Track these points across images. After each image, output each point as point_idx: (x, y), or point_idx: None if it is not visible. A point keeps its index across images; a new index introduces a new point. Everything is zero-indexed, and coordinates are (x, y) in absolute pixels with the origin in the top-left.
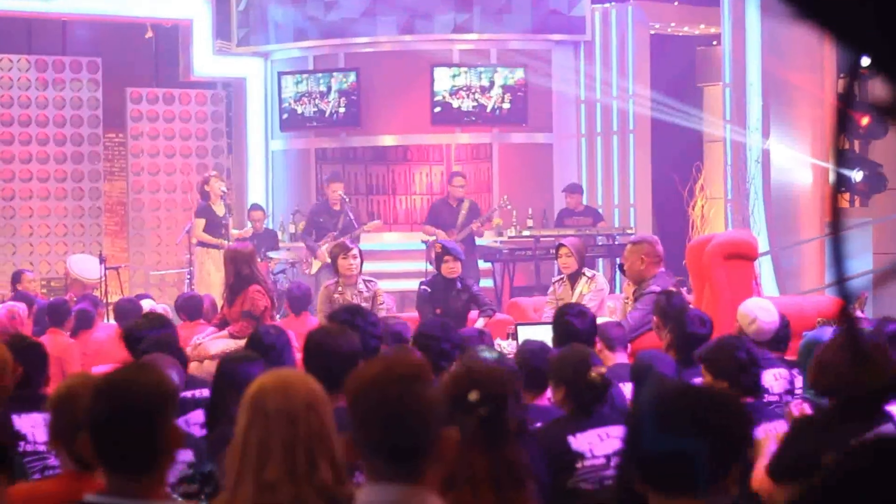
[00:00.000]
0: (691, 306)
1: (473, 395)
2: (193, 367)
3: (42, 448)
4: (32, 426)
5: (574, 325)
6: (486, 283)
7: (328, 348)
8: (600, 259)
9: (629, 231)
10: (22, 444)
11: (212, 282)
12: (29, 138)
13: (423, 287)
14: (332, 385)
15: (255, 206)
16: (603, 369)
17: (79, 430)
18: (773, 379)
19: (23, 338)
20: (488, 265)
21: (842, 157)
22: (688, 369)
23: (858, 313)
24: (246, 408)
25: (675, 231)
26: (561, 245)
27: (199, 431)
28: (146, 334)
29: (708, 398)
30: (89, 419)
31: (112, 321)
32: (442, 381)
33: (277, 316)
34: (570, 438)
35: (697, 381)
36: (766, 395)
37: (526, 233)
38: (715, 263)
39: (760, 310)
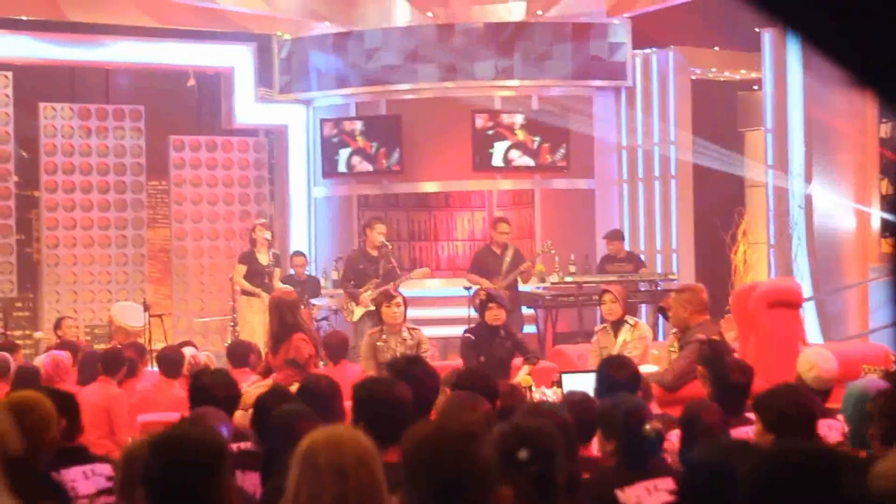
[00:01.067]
0: (735, 355)
1: (523, 454)
2: (238, 415)
3: (84, 502)
4: (73, 480)
5: (615, 377)
6: (529, 329)
7: (379, 400)
8: (643, 305)
9: (672, 277)
10: (64, 498)
11: (253, 329)
12: (73, 186)
13: (466, 334)
14: (382, 437)
15: (298, 253)
16: (658, 424)
17: (138, 486)
18: (827, 429)
19: (59, 392)
20: (531, 311)
21: (885, 202)
22: (734, 418)
23: None
24: (297, 462)
25: (718, 276)
26: (605, 291)
27: (246, 484)
28: (213, 391)
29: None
30: (144, 475)
31: (155, 369)
32: (491, 439)
33: (320, 363)
34: (619, 492)
35: (744, 430)
36: None
37: (568, 279)
38: (760, 311)
39: (820, 357)
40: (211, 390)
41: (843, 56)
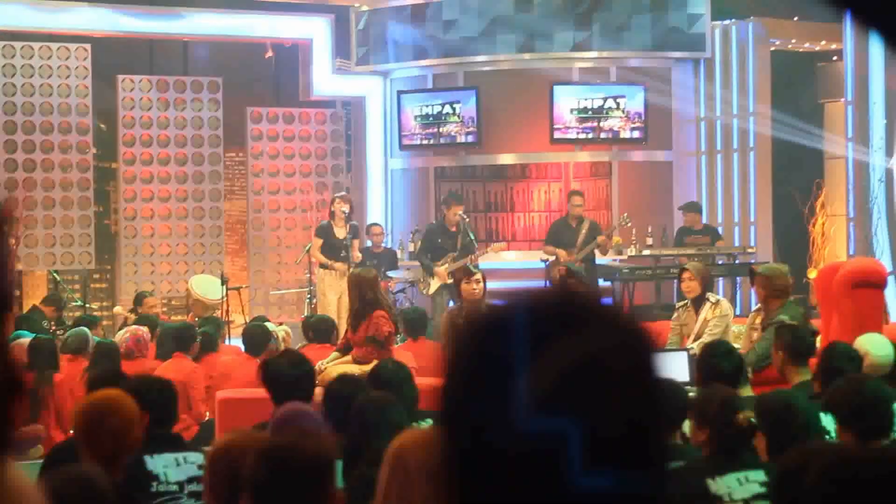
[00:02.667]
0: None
1: None
2: (317, 392)
3: (174, 488)
4: (165, 466)
5: (722, 366)
6: (605, 302)
7: None
8: (720, 279)
9: (749, 250)
10: (154, 484)
11: (327, 303)
12: (150, 158)
13: None
14: None
15: (374, 225)
16: (750, 413)
17: (238, 490)
18: None
19: (150, 381)
20: (608, 284)
21: None
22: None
23: None
24: (388, 463)
25: (796, 249)
26: (684, 269)
27: None
28: (287, 374)
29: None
30: (253, 483)
31: (234, 342)
32: None
33: (398, 339)
34: (710, 482)
35: None
36: None
37: (646, 252)
38: (843, 292)
39: (872, 344)
40: (283, 374)
41: None
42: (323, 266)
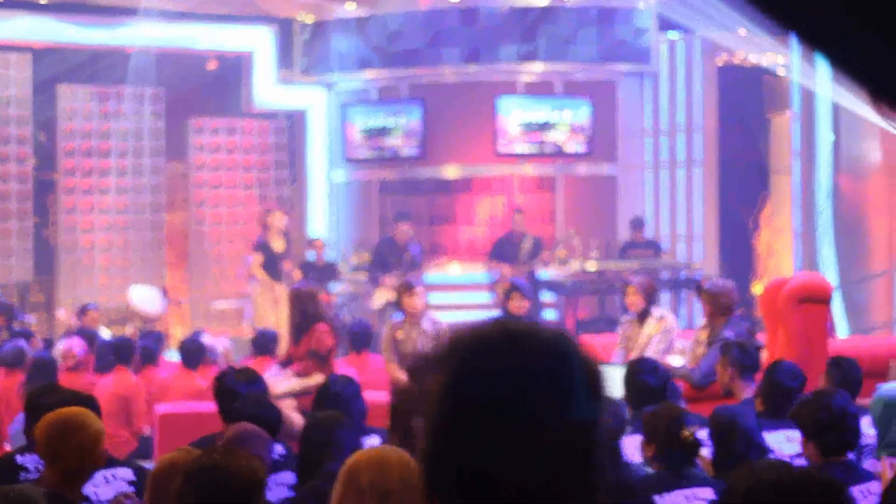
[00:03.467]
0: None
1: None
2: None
3: None
4: (95, 486)
5: (648, 383)
6: (549, 315)
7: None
8: (665, 293)
9: (694, 266)
10: None
11: (266, 317)
12: (90, 169)
13: None
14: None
15: (316, 238)
16: (696, 429)
17: None
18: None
19: (72, 397)
20: (552, 298)
21: None
22: (770, 421)
23: None
24: (341, 481)
25: (741, 263)
26: (628, 283)
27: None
28: (241, 390)
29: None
30: (178, 502)
31: (173, 354)
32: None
33: (340, 352)
34: (657, 498)
35: (778, 433)
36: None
37: (590, 265)
38: (789, 308)
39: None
40: (236, 389)
41: (862, 70)
42: (264, 282)
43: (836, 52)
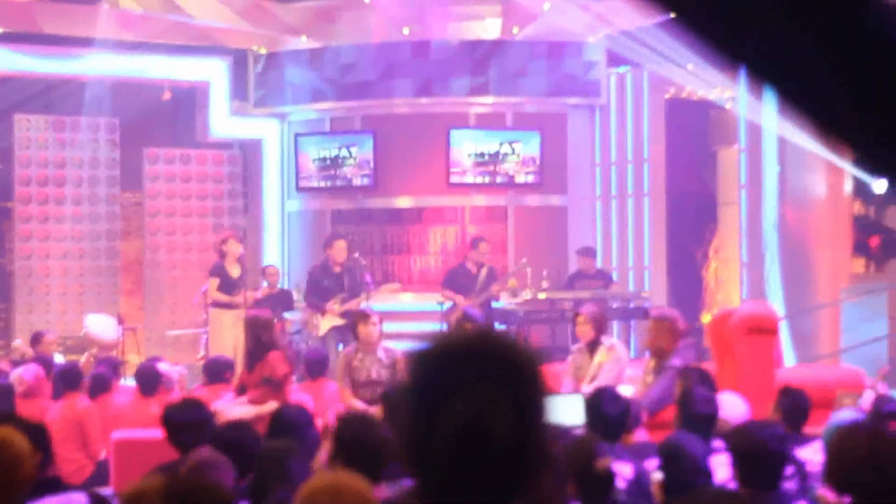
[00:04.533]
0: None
1: None
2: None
3: None
4: None
5: (608, 412)
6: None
7: (361, 439)
8: (614, 322)
9: (644, 294)
10: None
11: (224, 344)
12: (46, 198)
13: None
14: (370, 476)
15: (270, 266)
16: (608, 460)
17: None
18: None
19: (27, 423)
20: (503, 328)
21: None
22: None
23: (880, 387)
24: None
25: (690, 293)
26: (577, 313)
27: None
28: (185, 421)
29: None
30: None
31: (129, 382)
32: None
33: (294, 379)
34: None
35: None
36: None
37: (541, 295)
38: (737, 338)
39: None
40: (183, 422)
41: (813, 109)
42: (222, 306)
43: (784, 86)
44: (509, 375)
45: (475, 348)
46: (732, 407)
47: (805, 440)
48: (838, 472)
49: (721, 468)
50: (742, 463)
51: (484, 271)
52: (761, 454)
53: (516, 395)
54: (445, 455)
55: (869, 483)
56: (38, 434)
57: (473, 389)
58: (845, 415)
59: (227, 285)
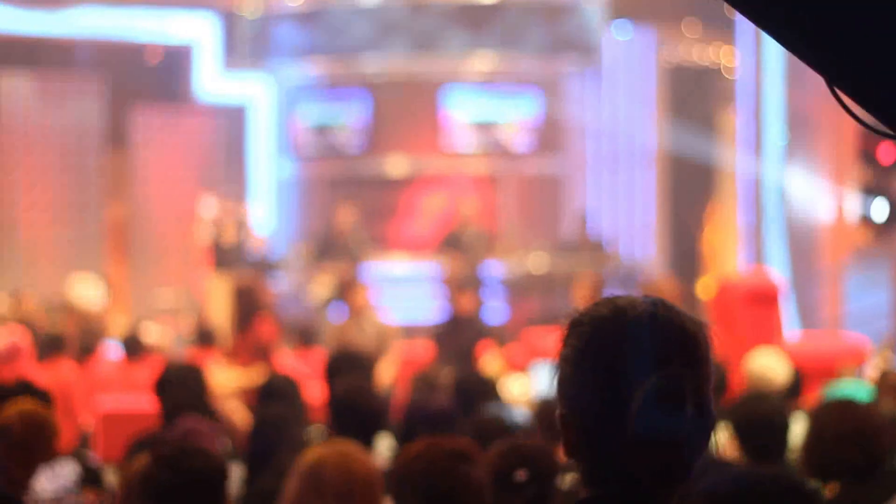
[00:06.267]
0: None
1: (521, 475)
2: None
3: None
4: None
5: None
6: (496, 312)
7: (357, 406)
8: (611, 291)
9: (640, 263)
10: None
11: (220, 309)
12: (32, 158)
13: (438, 322)
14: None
15: (260, 231)
16: (523, 473)
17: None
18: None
19: (36, 388)
20: (498, 294)
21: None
22: None
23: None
24: (301, 477)
25: (690, 260)
26: (575, 280)
27: None
28: (175, 384)
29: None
30: (148, 487)
31: (115, 347)
32: (486, 458)
33: (283, 344)
34: None
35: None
36: None
37: (535, 262)
38: (739, 306)
39: (769, 368)
40: (179, 387)
41: (819, 58)
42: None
43: (791, 37)
44: (694, 350)
45: (663, 321)
46: (775, 366)
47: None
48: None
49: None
50: (747, 435)
51: (477, 236)
52: (766, 426)
53: (700, 371)
54: (641, 427)
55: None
56: (47, 401)
57: (671, 362)
58: (841, 388)
59: (221, 251)
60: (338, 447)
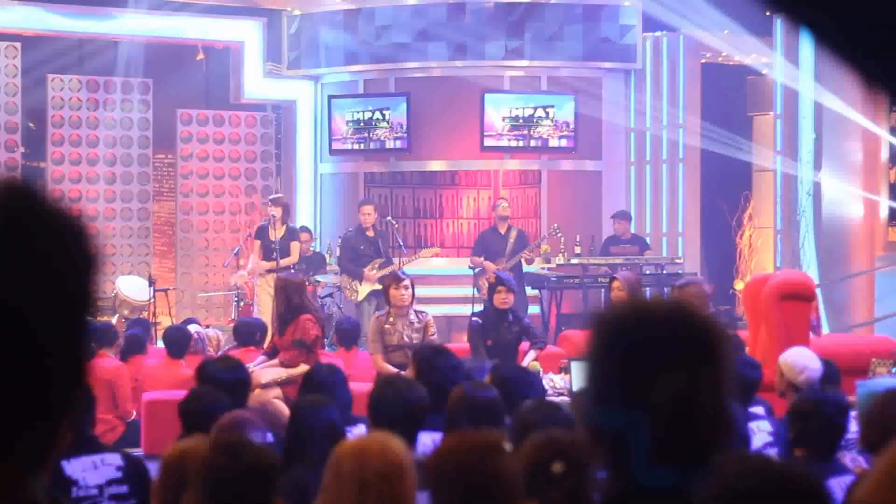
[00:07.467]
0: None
1: (557, 467)
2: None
3: (94, 492)
4: (83, 470)
5: None
6: (533, 310)
7: (395, 401)
8: (647, 289)
9: (677, 261)
10: (74, 489)
11: (265, 306)
12: (79, 158)
13: (474, 319)
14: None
15: (303, 229)
16: (562, 465)
17: (184, 490)
18: None
19: None
20: (535, 292)
21: (893, 190)
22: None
23: None
24: (329, 468)
25: (723, 260)
26: (613, 278)
27: None
28: (222, 378)
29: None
30: (206, 471)
31: (161, 345)
32: (523, 451)
33: (325, 343)
34: None
35: (752, 424)
36: None
37: (574, 260)
38: (771, 304)
39: (807, 359)
40: (219, 377)
41: (851, 50)
42: (262, 271)
43: (827, 34)
44: (711, 350)
45: (681, 322)
46: (810, 362)
47: None
48: (875, 438)
49: (759, 434)
50: (803, 425)
51: (513, 235)
52: (823, 418)
53: (716, 370)
54: (657, 427)
55: None
56: (85, 393)
57: (685, 364)
58: (881, 382)
59: (266, 248)
60: (359, 440)
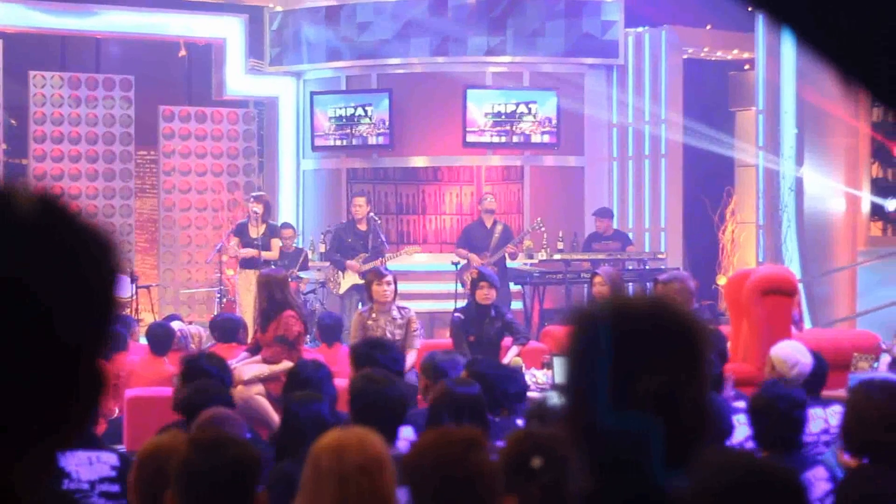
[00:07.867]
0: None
1: (536, 462)
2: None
3: (86, 486)
4: (77, 464)
5: None
6: (516, 305)
7: (375, 399)
8: (629, 284)
9: (660, 256)
10: (66, 481)
11: (245, 302)
12: (61, 155)
13: (456, 314)
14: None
15: (286, 225)
16: (539, 460)
17: (162, 491)
18: (810, 419)
19: None
20: (518, 288)
21: (876, 185)
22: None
23: None
24: (308, 463)
25: (706, 255)
26: (595, 274)
27: None
28: (211, 373)
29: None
30: (184, 470)
31: (143, 342)
32: (502, 447)
33: (308, 339)
34: None
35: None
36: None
37: (557, 256)
38: (753, 299)
39: (799, 353)
40: (205, 371)
41: (832, 48)
42: (247, 263)
43: (805, 31)
44: (692, 345)
45: (664, 318)
46: (802, 356)
47: (825, 404)
48: (854, 432)
49: (740, 427)
50: (760, 423)
51: (499, 229)
52: (779, 414)
53: (697, 365)
54: (633, 421)
55: (884, 442)
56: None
57: (665, 361)
58: (866, 377)
59: (245, 245)
60: (336, 434)
